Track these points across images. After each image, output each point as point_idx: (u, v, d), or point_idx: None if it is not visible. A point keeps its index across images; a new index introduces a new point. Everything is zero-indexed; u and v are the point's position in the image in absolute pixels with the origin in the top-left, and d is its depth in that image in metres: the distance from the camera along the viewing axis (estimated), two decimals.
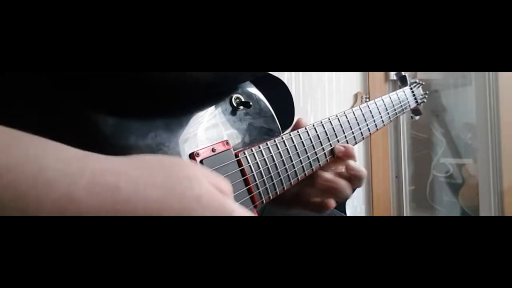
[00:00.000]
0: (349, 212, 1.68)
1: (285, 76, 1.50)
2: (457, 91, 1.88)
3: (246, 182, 0.43)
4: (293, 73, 1.56)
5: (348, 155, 0.54)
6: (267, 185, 0.45)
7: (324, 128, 0.53)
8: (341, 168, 0.54)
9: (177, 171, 0.28)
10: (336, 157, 0.54)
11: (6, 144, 0.21)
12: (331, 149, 0.54)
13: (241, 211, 0.30)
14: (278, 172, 0.46)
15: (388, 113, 0.68)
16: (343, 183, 0.51)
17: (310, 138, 0.51)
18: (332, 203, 0.52)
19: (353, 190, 0.54)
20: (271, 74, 0.57)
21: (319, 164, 0.52)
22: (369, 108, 0.63)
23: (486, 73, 1.48)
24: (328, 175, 0.52)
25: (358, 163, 0.53)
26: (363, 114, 0.61)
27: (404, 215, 1.78)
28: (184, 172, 0.29)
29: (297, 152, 0.49)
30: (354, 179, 0.52)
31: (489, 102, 1.48)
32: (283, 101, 0.58)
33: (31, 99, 0.31)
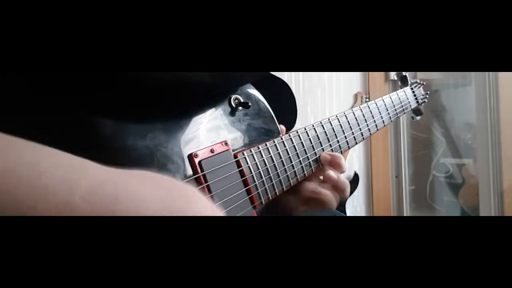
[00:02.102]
0: (349, 212, 1.68)
1: (285, 76, 1.50)
2: (457, 91, 1.88)
3: (245, 183, 0.43)
4: (293, 73, 1.56)
5: (334, 164, 0.51)
6: (266, 186, 0.45)
7: (324, 129, 0.53)
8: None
9: (178, 188, 0.28)
10: (322, 165, 0.52)
11: (3, 150, 0.21)
12: (331, 149, 0.54)
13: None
14: (278, 173, 0.46)
15: (388, 113, 0.68)
16: (329, 195, 0.48)
17: (309, 139, 0.51)
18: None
19: (343, 200, 0.52)
20: (273, 75, 0.57)
21: (319, 165, 0.52)
22: (369, 108, 0.63)
23: (486, 73, 1.48)
24: (312, 185, 0.50)
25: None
26: (363, 114, 0.61)
27: (404, 215, 1.78)
28: (185, 189, 0.29)
29: (297, 153, 0.49)
30: (336, 190, 0.49)
31: (489, 102, 1.48)
32: (285, 102, 0.58)
33: (29, 101, 0.31)
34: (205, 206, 0.29)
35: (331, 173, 0.50)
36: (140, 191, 0.26)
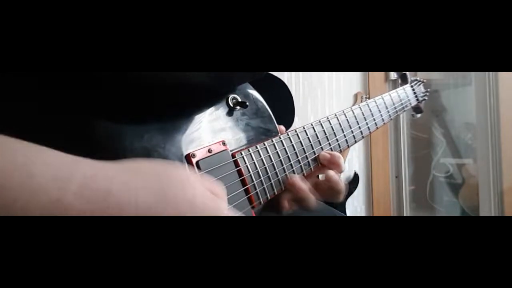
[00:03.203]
0: (349, 212, 1.67)
1: (285, 76, 1.50)
2: (457, 91, 1.88)
3: (243, 183, 0.42)
4: (293, 73, 1.56)
5: (333, 163, 0.51)
6: (265, 186, 0.44)
7: (323, 128, 0.53)
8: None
9: (170, 175, 0.28)
10: (321, 164, 0.51)
11: None
12: (330, 148, 0.54)
13: (234, 214, 0.30)
14: (276, 172, 0.46)
15: (388, 111, 0.68)
16: (311, 197, 0.47)
17: (308, 138, 0.51)
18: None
19: (335, 204, 0.50)
20: (271, 74, 0.56)
21: (317, 164, 0.52)
22: (368, 106, 0.62)
23: (486, 73, 1.48)
24: (300, 183, 0.47)
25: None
26: (362, 112, 0.61)
27: (404, 215, 1.78)
28: (177, 176, 0.28)
29: (295, 152, 0.49)
30: (330, 191, 0.48)
31: (489, 102, 1.48)
32: (283, 101, 0.58)
33: (27, 101, 0.31)
34: (199, 191, 0.29)
35: (332, 173, 0.49)
36: (132, 181, 0.26)
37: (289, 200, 0.48)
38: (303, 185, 0.47)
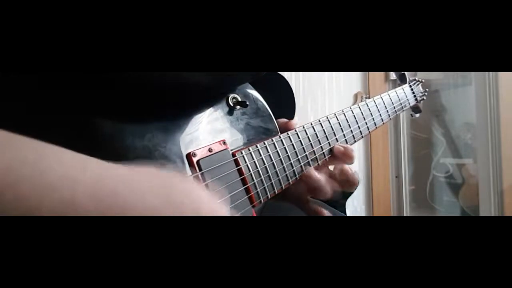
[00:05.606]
0: (349, 212, 1.67)
1: (285, 76, 1.50)
2: (457, 91, 1.88)
3: (244, 182, 0.43)
4: (293, 73, 1.56)
5: (347, 156, 0.53)
6: (265, 185, 0.45)
7: (323, 127, 0.53)
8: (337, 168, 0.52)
9: (176, 181, 0.29)
10: (333, 157, 0.53)
11: (5, 147, 0.21)
12: (330, 148, 0.54)
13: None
14: (276, 172, 0.46)
15: (387, 111, 0.68)
16: (328, 188, 0.49)
17: (308, 137, 0.51)
18: (319, 209, 0.50)
19: (346, 196, 0.53)
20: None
21: (318, 164, 0.52)
22: (368, 106, 0.63)
23: (486, 73, 1.48)
24: (316, 175, 0.49)
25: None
26: (362, 112, 0.61)
27: (404, 215, 1.78)
28: (183, 183, 0.29)
29: (295, 151, 0.49)
30: (346, 184, 0.50)
31: (489, 102, 1.48)
32: (283, 96, 0.58)
33: (28, 101, 0.31)
34: (205, 197, 0.29)
35: (346, 167, 0.51)
36: (139, 184, 0.26)
37: (304, 192, 0.50)
38: (319, 176, 0.49)
